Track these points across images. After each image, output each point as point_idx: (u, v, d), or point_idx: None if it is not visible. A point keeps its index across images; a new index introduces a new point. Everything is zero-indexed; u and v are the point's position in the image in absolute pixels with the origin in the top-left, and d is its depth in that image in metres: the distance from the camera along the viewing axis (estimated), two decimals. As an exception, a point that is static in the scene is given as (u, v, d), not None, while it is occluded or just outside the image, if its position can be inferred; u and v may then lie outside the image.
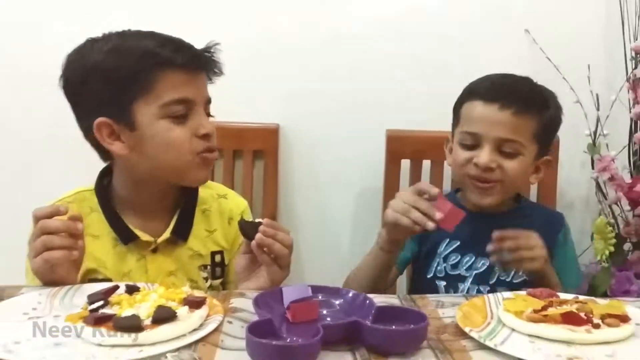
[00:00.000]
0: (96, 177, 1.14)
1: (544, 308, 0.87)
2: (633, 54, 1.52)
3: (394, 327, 0.79)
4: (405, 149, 1.59)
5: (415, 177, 1.61)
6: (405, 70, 1.65)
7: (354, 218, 1.71)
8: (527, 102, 1.18)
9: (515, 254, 1.12)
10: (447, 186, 1.62)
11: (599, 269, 1.52)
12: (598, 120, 1.59)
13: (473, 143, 1.19)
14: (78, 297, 0.91)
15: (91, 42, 1.06)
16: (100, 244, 1.10)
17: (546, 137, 1.23)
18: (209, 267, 1.16)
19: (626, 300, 1.01)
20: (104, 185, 1.14)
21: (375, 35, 1.65)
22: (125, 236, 1.10)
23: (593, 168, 1.60)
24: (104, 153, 1.10)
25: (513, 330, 0.85)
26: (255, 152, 1.65)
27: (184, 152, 1.05)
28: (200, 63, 1.07)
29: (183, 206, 1.15)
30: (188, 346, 0.76)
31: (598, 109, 1.59)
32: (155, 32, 1.07)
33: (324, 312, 0.86)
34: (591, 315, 0.85)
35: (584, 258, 1.61)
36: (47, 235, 0.93)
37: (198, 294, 0.89)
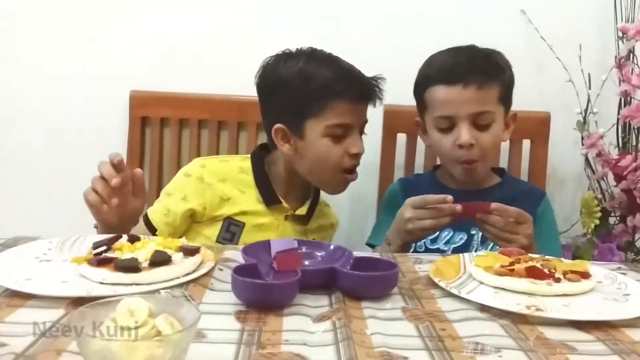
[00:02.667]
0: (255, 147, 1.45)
1: (511, 264, 0.94)
2: (620, 34, 1.56)
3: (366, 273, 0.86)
4: (401, 124, 1.65)
5: (410, 151, 1.67)
6: (401, 46, 1.71)
7: (350, 193, 1.76)
8: (487, 73, 1.27)
9: (493, 230, 1.14)
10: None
11: (584, 241, 1.58)
12: (589, 98, 1.64)
13: (448, 125, 1.29)
14: (86, 245, 0.99)
15: (285, 57, 1.32)
16: (244, 197, 1.33)
17: (508, 96, 1.32)
18: None
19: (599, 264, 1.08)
20: (260, 155, 1.39)
21: (370, 10, 1.72)
22: (270, 199, 1.34)
23: (583, 145, 1.65)
24: (272, 143, 1.36)
25: (481, 283, 0.92)
26: (259, 124, 1.72)
27: (335, 166, 1.30)
28: (365, 95, 1.31)
29: (313, 197, 1.42)
30: (180, 285, 0.84)
31: (589, 88, 1.64)
32: (337, 59, 1.32)
33: (307, 262, 0.93)
34: (554, 271, 0.92)
35: (573, 232, 1.68)
36: (97, 177, 1.12)
37: (192, 244, 0.97)
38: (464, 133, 1.26)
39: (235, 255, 1.00)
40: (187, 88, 1.72)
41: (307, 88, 1.27)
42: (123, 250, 0.91)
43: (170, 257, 0.88)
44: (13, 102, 1.79)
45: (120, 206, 1.12)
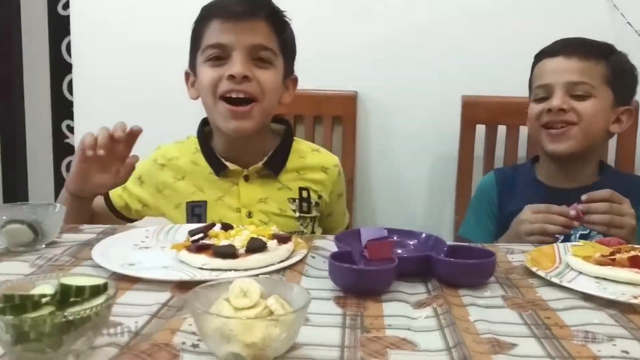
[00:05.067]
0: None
1: (612, 254, 0.91)
2: None
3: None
4: (480, 115, 1.63)
5: (490, 142, 1.64)
6: (481, 36, 1.68)
7: (428, 184, 1.77)
8: (590, 48, 1.27)
9: (604, 217, 1.11)
10: (522, 153, 1.65)
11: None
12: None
13: (545, 95, 1.27)
14: (179, 233, 1.02)
15: None
16: (198, 175, 1.27)
17: (619, 83, 1.28)
18: (297, 200, 1.28)
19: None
20: (202, 126, 1.31)
21: (451, 1, 1.69)
22: (217, 167, 1.26)
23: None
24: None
25: (580, 273, 0.89)
26: (334, 118, 1.74)
27: (210, 92, 1.19)
28: (235, 10, 1.18)
29: (276, 148, 1.28)
30: (277, 271, 0.86)
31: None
32: None
33: (399, 251, 0.93)
34: (658, 261, 0.88)
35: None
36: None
37: (284, 232, 0.98)
38: (556, 97, 1.25)
39: (325, 243, 1.01)
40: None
41: (196, 21, 1.24)
42: (219, 237, 0.93)
43: (266, 244, 0.89)
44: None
45: (100, 162, 1.10)
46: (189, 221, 1.24)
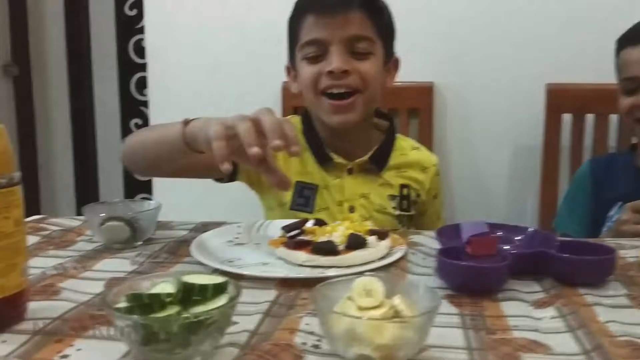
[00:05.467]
0: None
1: None
2: None
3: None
4: (566, 103, 1.56)
5: (577, 132, 1.57)
6: (564, 22, 1.60)
7: (510, 176, 1.70)
8: None
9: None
10: (613, 142, 1.57)
11: None
12: None
13: (633, 87, 1.19)
14: (270, 229, 1.01)
15: None
16: (303, 161, 1.24)
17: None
18: (397, 197, 1.25)
19: None
20: (306, 113, 1.27)
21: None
22: (321, 158, 1.23)
23: None
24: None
25: None
26: (410, 110, 1.69)
27: (312, 89, 1.17)
28: (329, 4, 1.15)
29: (381, 143, 1.26)
30: (381, 269, 0.83)
31: None
32: None
33: (505, 247, 0.88)
34: None
35: None
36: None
37: (380, 228, 0.95)
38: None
39: (422, 239, 0.98)
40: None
41: (291, 17, 1.22)
42: (316, 233, 0.91)
43: (366, 240, 0.86)
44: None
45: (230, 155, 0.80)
46: (295, 202, 1.21)
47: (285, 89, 1.75)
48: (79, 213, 3.16)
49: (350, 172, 1.23)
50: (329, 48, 1.14)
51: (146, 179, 1.95)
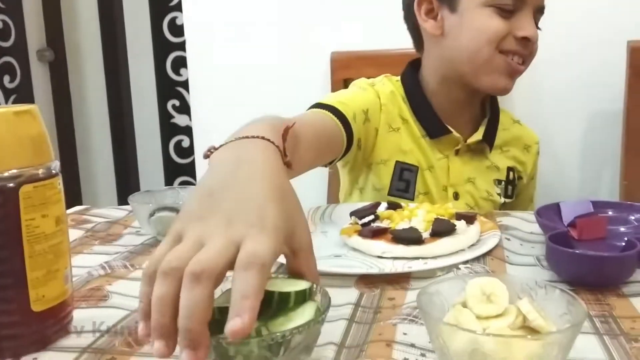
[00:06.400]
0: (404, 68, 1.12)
1: None
2: None
3: None
4: (650, 63, 1.39)
5: (663, 94, 1.40)
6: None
7: (585, 145, 1.55)
8: None
9: None
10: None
11: None
12: None
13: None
14: (336, 215, 0.90)
15: None
16: (400, 136, 1.06)
17: None
18: (503, 182, 1.11)
19: None
20: (411, 75, 1.10)
21: None
22: (435, 129, 1.05)
23: None
24: (417, 39, 1.09)
25: None
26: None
27: (493, 44, 0.98)
28: None
29: (490, 117, 1.10)
30: (477, 259, 0.71)
31: None
32: None
33: (622, 229, 0.75)
34: None
35: None
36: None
37: (466, 210, 0.83)
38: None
39: (513, 222, 0.86)
40: (387, 45, 1.58)
41: None
42: (393, 219, 0.79)
43: (454, 225, 0.74)
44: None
45: None
46: (393, 185, 1.05)
47: (335, 60, 1.63)
48: (120, 199, 3.12)
49: (457, 152, 1.07)
50: (523, 8, 0.98)
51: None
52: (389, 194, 1.05)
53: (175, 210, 0.81)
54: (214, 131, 1.77)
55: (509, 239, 0.78)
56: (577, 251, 0.63)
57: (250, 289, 0.40)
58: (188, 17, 1.77)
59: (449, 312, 0.48)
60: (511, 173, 1.12)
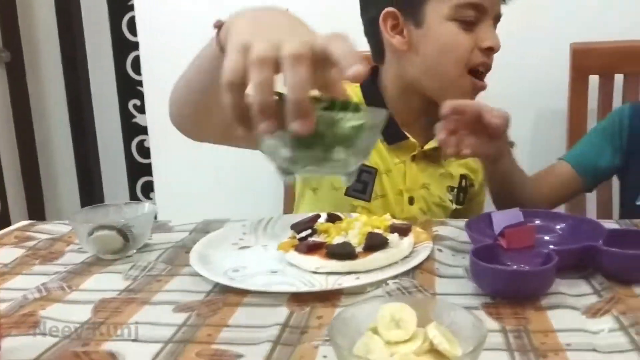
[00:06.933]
0: None
1: None
2: None
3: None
4: (593, 64, 1.43)
5: (605, 94, 1.44)
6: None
7: (532, 142, 1.58)
8: None
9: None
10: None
11: None
12: None
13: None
14: (279, 227, 0.91)
15: None
16: None
17: None
18: (455, 189, 1.13)
19: None
20: (371, 82, 1.10)
21: None
22: (392, 135, 1.07)
23: None
24: (378, 52, 1.09)
25: None
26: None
27: (461, 62, 1.00)
28: None
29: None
30: (405, 273, 0.73)
31: None
32: None
33: (546, 238, 0.78)
34: None
35: None
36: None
37: (401, 222, 0.85)
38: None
39: (448, 231, 0.88)
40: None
41: None
42: (330, 233, 0.81)
43: (387, 239, 0.76)
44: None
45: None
46: (351, 185, 1.05)
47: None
48: (83, 200, 3.08)
49: (413, 158, 1.09)
50: (484, 19, 1.00)
51: (200, 140, 1.80)
52: (346, 194, 1.07)
53: (114, 228, 0.82)
54: (170, 132, 1.78)
55: (441, 250, 0.80)
56: (496, 266, 0.65)
57: (348, 48, 0.51)
58: (141, 16, 1.76)
59: (361, 337, 0.49)
60: (464, 180, 1.15)
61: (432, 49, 1.01)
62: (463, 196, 1.15)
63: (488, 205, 1.26)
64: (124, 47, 2.90)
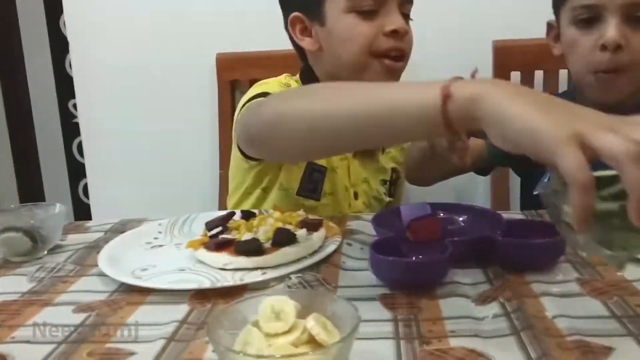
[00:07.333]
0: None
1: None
2: None
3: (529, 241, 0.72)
4: (514, 61, 1.47)
5: (527, 90, 1.49)
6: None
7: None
8: None
9: None
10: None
11: None
12: None
13: (590, 16, 0.97)
14: (196, 225, 0.91)
15: None
16: None
17: None
18: (388, 183, 1.16)
19: None
20: (311, 78, 1.09)
21: None
22: None
23: None
24: (303, 55, 1.10)
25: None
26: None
27: (365, 49, 0.99)
28: None
29: None
30: (310, 267, 0.74)
31: None
32: None
33: (448, 229, 0.81)
34: None
35: None
36: None
37: (313, 217, 0.87)
38: (612, 28, 0.94)
39: (361, 225, 0.89)
40: (275, 46, 1.60)
41: None
42: (240, 229, 0.81)
43: (295, 234, 0.78)
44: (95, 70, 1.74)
45: None
46: (302, 185, 1.06)
47: (220, 62, 1.63)
48: (23, 201, 3.00)
49: (355, 154, 1.11)
50: (385, 4, 0.98)
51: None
52: (298, 194, 1.08)
53: (21, 230, 0.80)
54: (104, 131, 1.75)
55: (350, 244, 0.82)
56: (390, 258, 0.67)
57: None
58: (69, 15, 1.73)
59: (242, 332, 0.50)
60: (394, 174, 1.18)
61: (337, 43, 1.02)
62: (394, 189, 1.18)
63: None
64: (62, 44, 2.84)
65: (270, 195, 1.10)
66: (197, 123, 1.70)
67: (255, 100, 0.95)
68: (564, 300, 0.63)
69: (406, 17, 1.04)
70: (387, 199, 1.16)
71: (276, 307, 0.50)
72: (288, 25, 1.06)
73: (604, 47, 0.95)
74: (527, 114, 0.50)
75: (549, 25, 1.10)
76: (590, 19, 0.97)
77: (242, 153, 0.99)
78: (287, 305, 0.50)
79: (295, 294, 0.52)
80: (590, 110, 0.51)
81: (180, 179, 1.72)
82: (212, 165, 1.67)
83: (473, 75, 0.81)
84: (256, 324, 0.50)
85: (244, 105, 0.99)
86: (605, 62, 0.96)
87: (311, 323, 0.49)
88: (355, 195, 1.12)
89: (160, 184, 1.74)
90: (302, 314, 0.51)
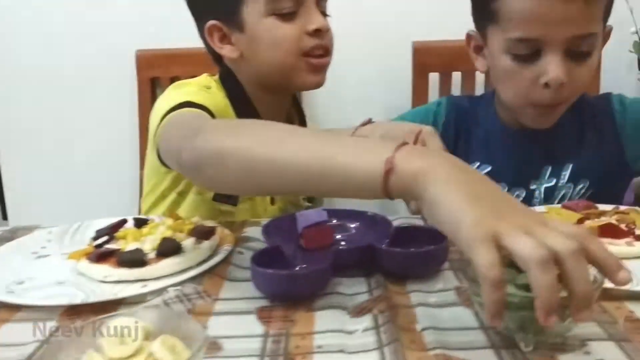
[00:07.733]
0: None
1: (581, 221, 0.80)
2: None
3: (412, 249, 0.72)
4: (433, 62, 1.49)
5: (444, 91, 1.51)
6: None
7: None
8: None
9: None
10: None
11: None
12: (646, 15, 1.44)
13: (530, 52, 0.93)
14: (90, 233, 0.87)
15: None
16: None
17: (610, 7, 0.96)
18: None
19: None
20: (232, 79, 1.06)
21: None
22: None
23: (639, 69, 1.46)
24: (216, 60, 1.08)
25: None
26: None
27: (292, 51, 0.98)
28: None
29: (299, 119, 1.14)
30: (193, 279, 0.72)
31: (647, 3, 1.44)
32: None
33: (339, 236, 0.80)
34: (633, 227, 0.77)
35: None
36: None
37: (208, 224, 0.85)
38: (555, 66, 0.90)
39: (258, 232, 0.88)
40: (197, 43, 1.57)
41: None
42: (127, 239, 0.79)
43: (180, 244, 0.76)
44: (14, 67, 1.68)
45: None
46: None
47: (140, 59, 1.59)
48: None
49: None
50: (303, 3, 0.98)
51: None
52: (214, 199, 1.05)
53: None
54: (19, 133, 1.69)
55: (241, 253, 0.80)
56: (267, 270, 0.66)
57: (605, 250, 0.49)
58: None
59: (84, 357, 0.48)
60: None
61: (261, 48, 1.00)
62: None
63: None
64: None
65: (186, 199, 1.07)
66: (117, 122, 1.66)
67: (180, 113, 0.90)
68: (438, 311, 0.63)
69: (323, 14, 1.03)
70: (306, 204, 1.14)
71: (121, 329, 0.48)
72: (205, 34, 1.03)
73: (546, 85, 0.93)
74: (455, 203, 0.51)
75: (469, 36, 1.08)
76: (529, 53, 0.93)
77: (161, 159, 0.96)
78: (133, 327, 0.48)
79: (146, 314, 0.50)
80: (515, 203, 0.54)
81: (99, 180, 1.67)
82: (132, 165, 1.63)
83: (365, 124, 0.88)
84: (100, 350, 0.48)
85: (165, 114, 0.92)
86: (548, 99, 0.94)
87: (156, 346, 0.47)
88: (272, 201, 1.10)
89: (78, 185, 1.69)
90: (155, 334, 0.49)
